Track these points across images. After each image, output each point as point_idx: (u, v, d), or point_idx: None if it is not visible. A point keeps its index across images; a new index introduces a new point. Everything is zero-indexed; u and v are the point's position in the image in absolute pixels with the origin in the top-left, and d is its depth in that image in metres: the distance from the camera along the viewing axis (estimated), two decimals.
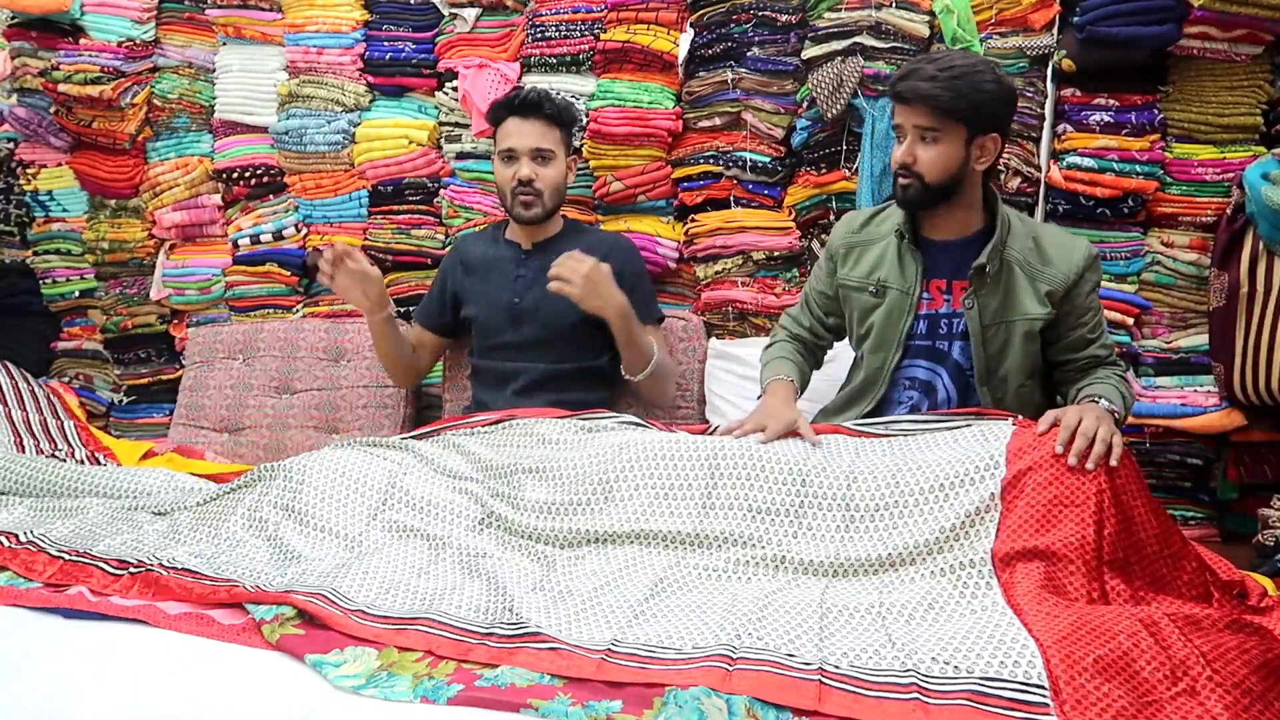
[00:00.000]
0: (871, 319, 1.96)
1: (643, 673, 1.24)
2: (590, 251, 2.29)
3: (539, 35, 2.57)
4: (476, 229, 2.61)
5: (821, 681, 1.20)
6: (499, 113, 2.28)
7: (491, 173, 2.50)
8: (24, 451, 2.33)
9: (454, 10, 2.66)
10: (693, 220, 2.56)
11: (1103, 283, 2.24)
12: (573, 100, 2.51)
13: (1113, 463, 1.52)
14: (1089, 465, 1.51)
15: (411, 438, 2.01)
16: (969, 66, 1.76)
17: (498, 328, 2.30)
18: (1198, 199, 2.20)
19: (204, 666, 1.32)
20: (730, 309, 2.56)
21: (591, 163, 2.57)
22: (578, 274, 2.04)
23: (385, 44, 2.70)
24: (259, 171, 2.81)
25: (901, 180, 1.83)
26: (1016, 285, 1.85)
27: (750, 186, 2.52)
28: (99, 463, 2.39)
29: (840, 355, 2.17)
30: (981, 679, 1.18)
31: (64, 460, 2.33)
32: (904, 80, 1.77)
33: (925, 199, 1.83)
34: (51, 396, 2.70)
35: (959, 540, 1.50)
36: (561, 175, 2.30)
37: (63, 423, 2.57)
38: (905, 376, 1.95)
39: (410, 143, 2.69)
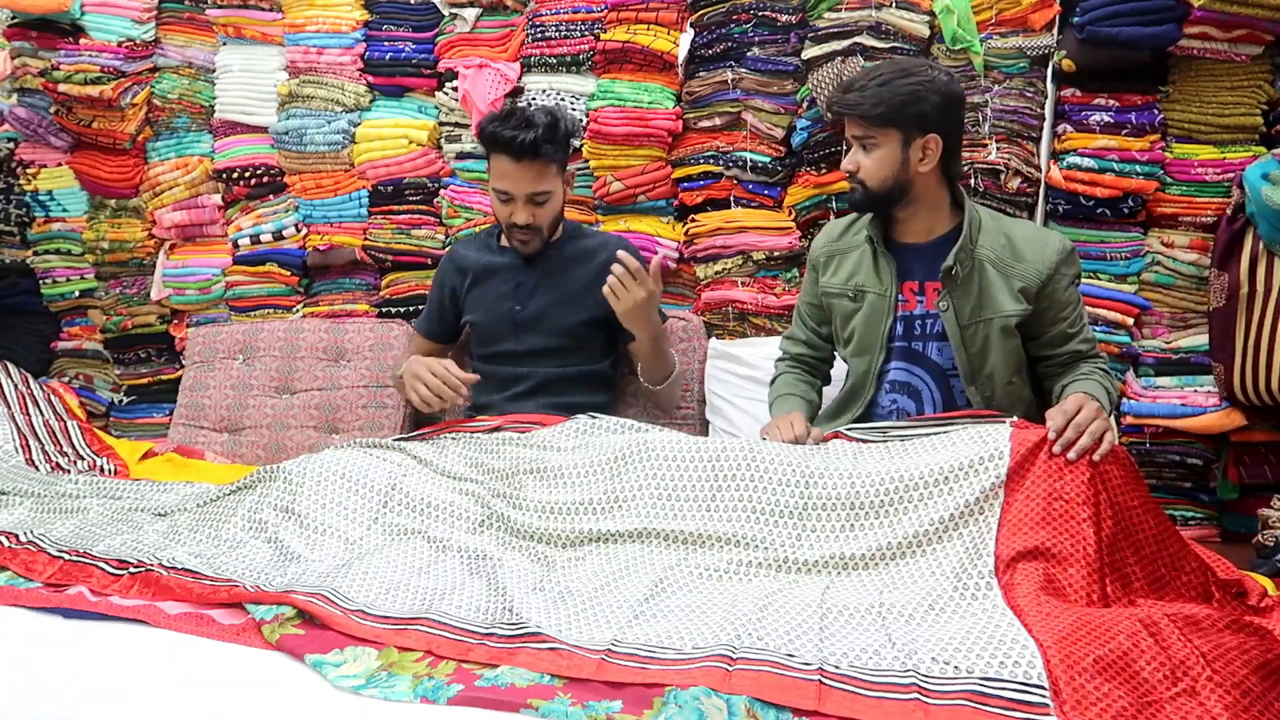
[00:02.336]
0: (853, 323, 1.99)
1: (643, 673, 1.24)
2: (591, 256, 2.29)
3: (539, 35, 2.57)
4: (473, 231, 2.60)
5: (821, 682, 1.20)
6: (490, 143, 2.12)
7: None
8: (29, 454, 2.34)
9: (454, 10, 2.66)
10: (693, 220, 2.56)
11: (1103, 283, 2.26)
12: (572, 101, 2.51)
13: (1096, 457, 1.52)
14: (1071, 455, 1.52)
15: (408, 439, 2.00)
16: (898, 72, 1.82)
17: (499, 335, 2.28)
18: (1198, 199, 2.20)
19: (204, 667, 1.32)
20: (730, 309, 2.56)
21: (591, 163, 2.57)
22: (630, 297, 2.03)
23: (385, 44, 2.70)
24: (259, 171, 2.81)
25: (851, 187, 1.91)
26: (990, 283, 1.87)
27: (750, 186, 2.52)
28: (102, 469, 2.39)
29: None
30: (981, 679, 1.18)
31: (68, 468, 2.34)
32: (836, 96, 1.88)
33: (872, 204, 1.89)
34: (52, 397, 2.70)
35: (962, 529, 1.50)
36: (559, 204, 2.22)
37: (65, 424, 2.57)
38: (887, 380, 1.97)
39: (410, 143, 2.69)
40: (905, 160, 1.83)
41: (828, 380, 2.17)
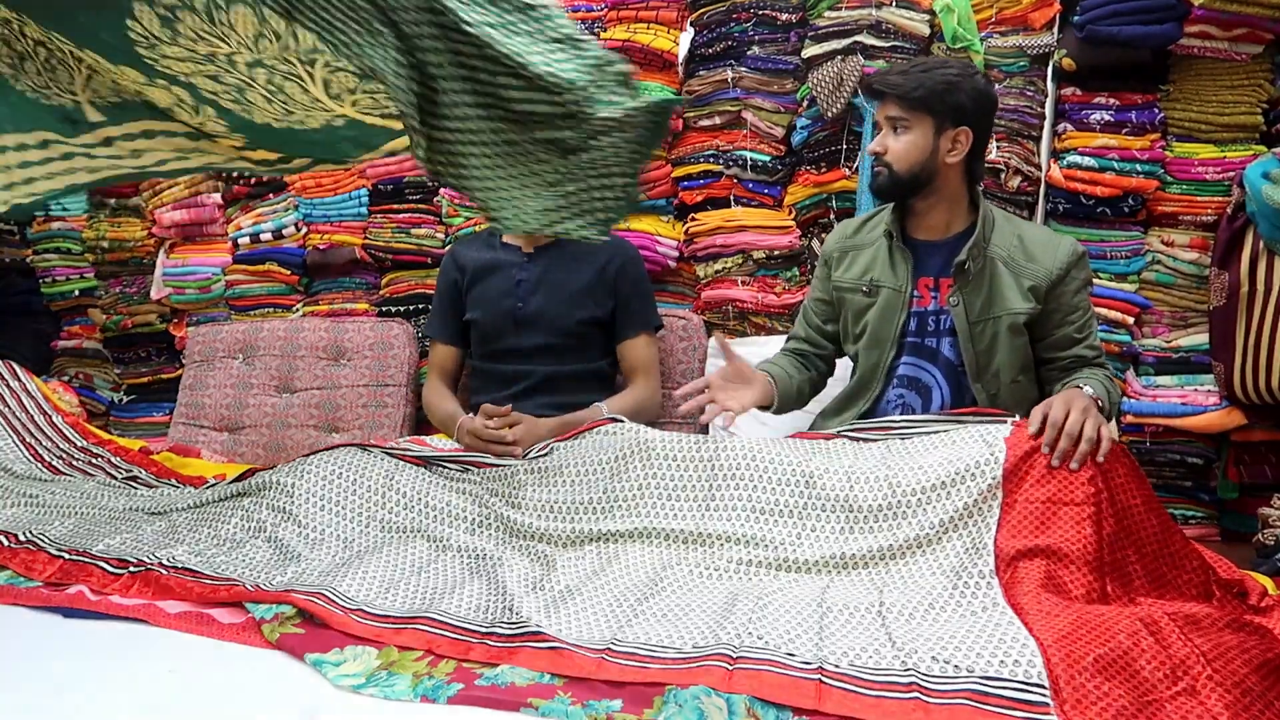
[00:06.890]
0: (866, 318, 1.99)
1: (643, 672, 1.24)
2: (592, 255, 2.29)
3: None
4: (474, 230, 2.61)
5: (821, 681, 1.20)
6: None
7: None
8: (33, 450, 2.33)
9: None
10: (693, 219, 2.56)
11: (1103, 282, 2.25)
12: None
13: (1099, 458, 1.52)
14: (1073, 465, 1.51)
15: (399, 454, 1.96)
16: (939, 63, 1.87)
17: (499, 333, 2.28)
18: (1198, 198, 2.20)
19: (204, 666, 1.32)
20: (730, 308, 2.56)
21: None
22: (510, 451, 1.97)
23: None
24: None
25: (874, 169, 1.92)
26: (1001, 281, 1.88)
27: (750, 185, 2.52)
28: (94, 454, 2.38)
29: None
30: (982, 678, 1.18)
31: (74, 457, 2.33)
32: (877, 76, 1.90)
33: (895, 188, 1.89)
34: (34, 389, 2.64)
35: (961, 528, 1.50)
36: None
37: (50, 416, 2.54)
38: (897, 375, 1.97)
39: None
40: (935, 148, 1.84)
41: (823, 374, 2.15)
